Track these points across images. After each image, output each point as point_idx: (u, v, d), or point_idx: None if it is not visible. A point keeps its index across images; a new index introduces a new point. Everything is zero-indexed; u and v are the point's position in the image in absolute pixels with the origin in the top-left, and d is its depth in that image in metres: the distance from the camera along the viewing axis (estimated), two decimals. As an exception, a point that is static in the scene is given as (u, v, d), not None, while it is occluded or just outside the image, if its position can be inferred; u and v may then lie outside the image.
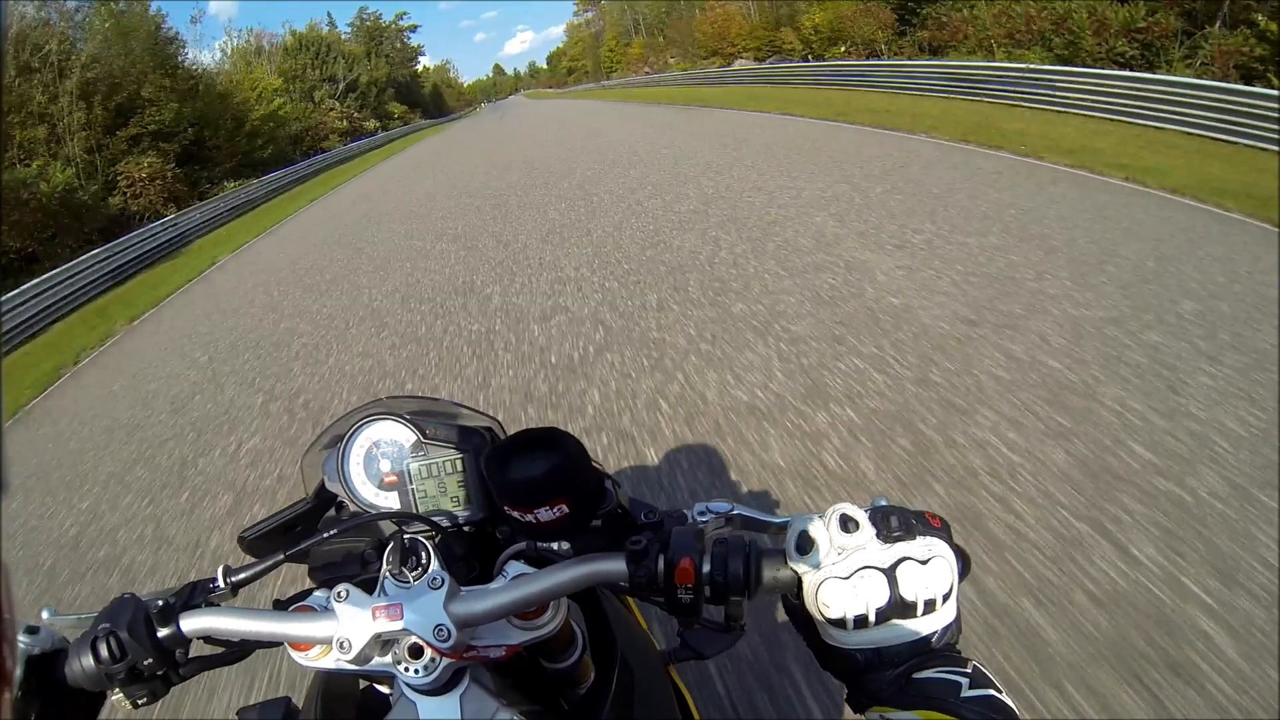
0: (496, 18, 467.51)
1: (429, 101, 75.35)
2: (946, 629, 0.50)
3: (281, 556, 0.64)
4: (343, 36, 51.16)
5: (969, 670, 0.48)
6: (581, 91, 55.76)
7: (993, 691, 0.46)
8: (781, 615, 1.48)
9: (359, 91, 42.75)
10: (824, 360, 3.46)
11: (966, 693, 0.46)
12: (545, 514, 0.56)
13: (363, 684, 0.71)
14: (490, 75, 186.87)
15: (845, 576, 0.49)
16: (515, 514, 0.58)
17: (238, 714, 0.72)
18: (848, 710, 0.53)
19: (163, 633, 0.54)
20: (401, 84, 63.23)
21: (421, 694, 0.53)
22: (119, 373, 6.49)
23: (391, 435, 0.76)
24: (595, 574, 0.54)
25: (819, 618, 0.51)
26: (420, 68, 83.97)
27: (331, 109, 35.42)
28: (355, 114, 37.85)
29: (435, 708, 0.53)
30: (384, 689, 0.66)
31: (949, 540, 0.51)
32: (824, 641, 0.53)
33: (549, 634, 0.58)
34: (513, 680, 0.65)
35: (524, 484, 0.56)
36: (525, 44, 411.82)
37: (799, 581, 0.52)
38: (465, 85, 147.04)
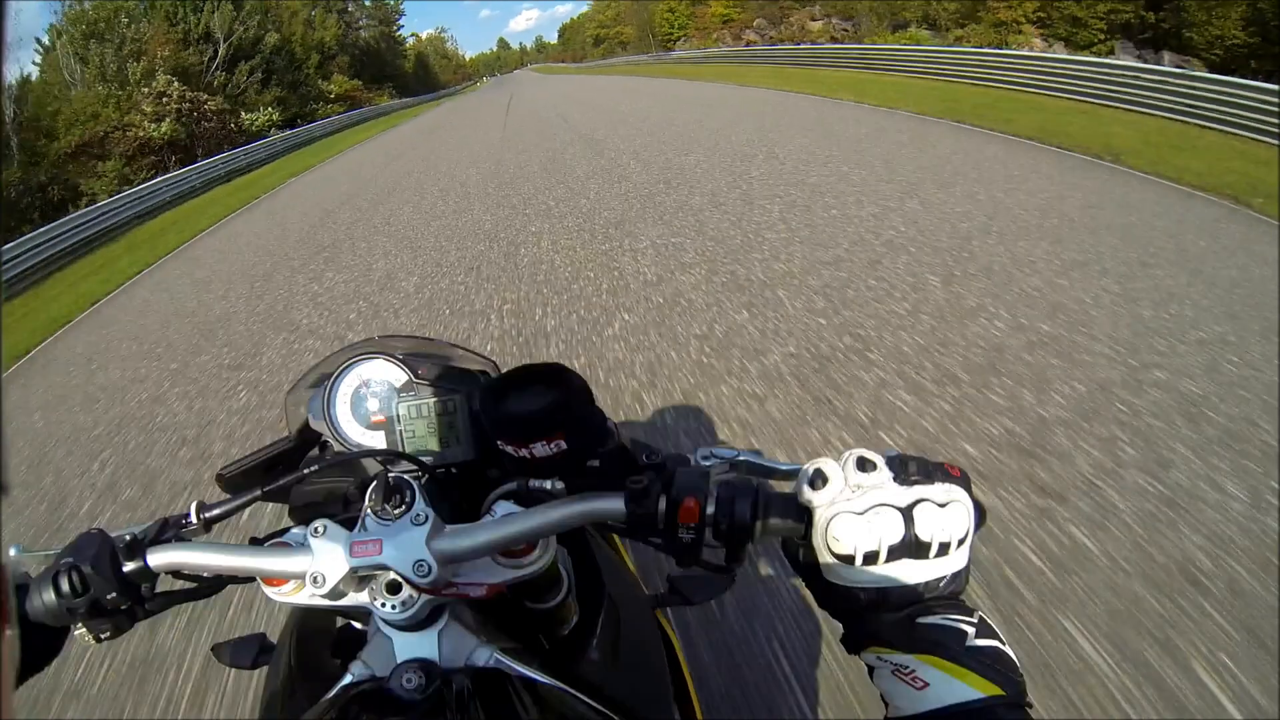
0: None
1: (410, 76, 57.36)
2: (956, 576, 0.48)
3: (259, 492, 0.61)
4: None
5: (975, 620, 0.46)
6: (621, 66, 37.95)
7: (997, 643, 0.45)
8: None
9: (259, 60, 25.25)
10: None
11: (972, 642, 0.45)
12: (541, 449, 0.56)
13: (340, 621, 0.68)
14: (494, 49, 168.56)
15: (860, 512, 0.47)
16: (509, 449, 0.57)
17: (212, 649, 0.77)
18: (841, 650, 0.51)
19: (128, 567, 0.52)
20: (366, 50, 45.48)
21: (398, 629, 0.51)
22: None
23: (382, 375, 0.73)
24: (590, 512, 0.51)
25: (826, 557, 0.48)
26: (410, 37, 67.23)
27: (165, 97, 17.77)
28: (225, 104, 20.16)
29: (412, 644, 0.51)
30: (360, 625, 0.63)
31: (968, 492, 0.49)
32: (825, 582, 0.50)
33: (536, 573, 0.55)
34: (495, 620, 0.62)
35: (521, 417, 0.55)
36: (530, 21, 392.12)
37: (808, 518, 0.49)
38: (467, 59, 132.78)
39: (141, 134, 15.98)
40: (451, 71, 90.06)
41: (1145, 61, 11.80)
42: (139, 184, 13.02)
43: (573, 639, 0.67)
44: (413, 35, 77.49)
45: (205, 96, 19.19)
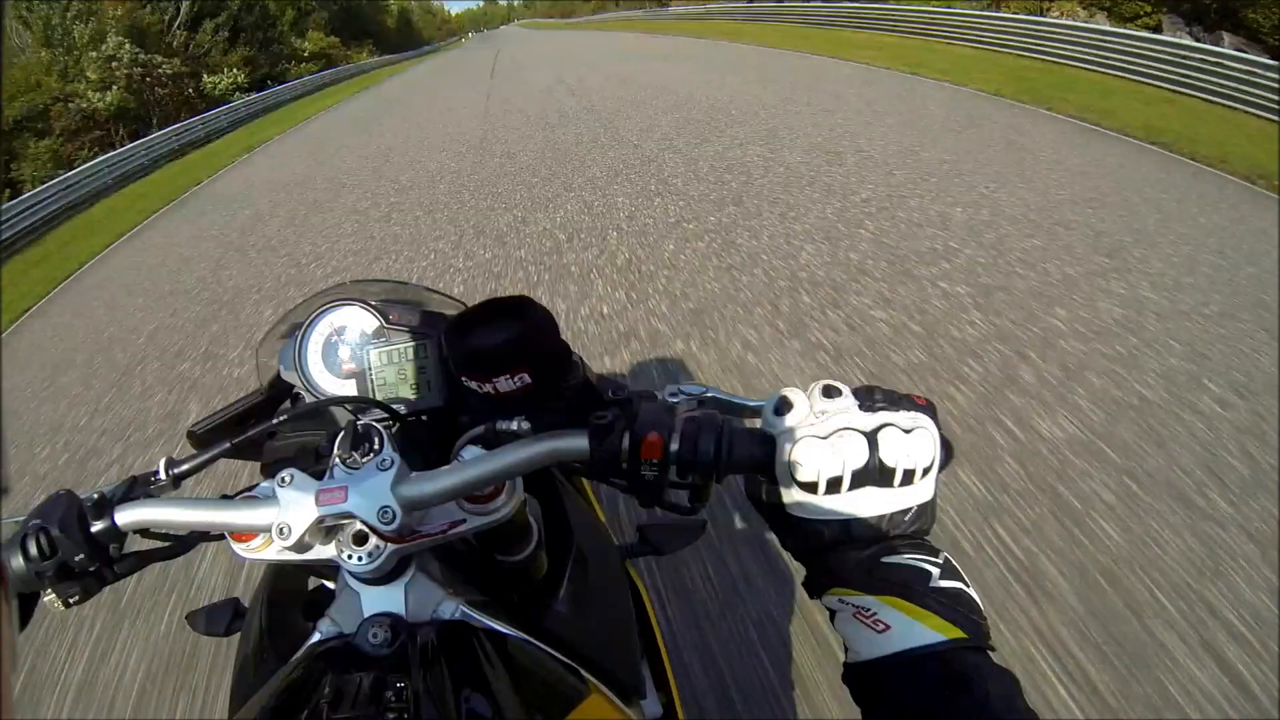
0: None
1: (392, 32, 54.34)
2: (921, 511, 0.46)
3: (228, 445, 0.60)
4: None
5: (940, 560, 0.45)
6: (614, 22, 35.71)
7: (961, 584, 0.44)
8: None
9: (225, 18, 23.33)
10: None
11: (935, 582, 0.43)
12: (505, 384, 0.54)
13: (312, 584, 0.67)
14: (480, 4, 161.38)
15: (824, 436, 0.45)
16: (474, 385, 0.55)
17: (186, 618, 0.77)
18: (803, 595, 0.56)
19: (96, 527, 0.50)
20: (347, 6, 42.85)
21: (365, 583, 0.50)
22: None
23: (354, 321, 0.71)
24: (554, 451, 0.49)
25: (789, 487, 0.47)
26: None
27: (115, 62, 16.20)
28: (184, 67, 18.53)
29: (379, 598, 0.50)
30: (332, 585, 0.61)
31: (935, 422, 0.47)
32: (789, 519, 0.48)
33: (503, 518, 0.52)
34: (464, 574, 0.60)
35: (484, 351, 0.54)
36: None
37: (772, 450, 0.47)
38: (452, 14, 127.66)
39: (85, 105, 14.49)
40: (435, 27, 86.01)
41: (1198, 40, 10.59)
42: (82, 164, 11.68)
43: (540, 590, 0.66)
44: (396, -11, 73.68)
45: (160, 59, 17.56)
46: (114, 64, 16.17)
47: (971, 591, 0.44)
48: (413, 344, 0.69)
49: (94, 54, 16.19)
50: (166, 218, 8.09)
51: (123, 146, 11.92)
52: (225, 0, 24.16)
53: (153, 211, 8.47)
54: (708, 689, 1.52)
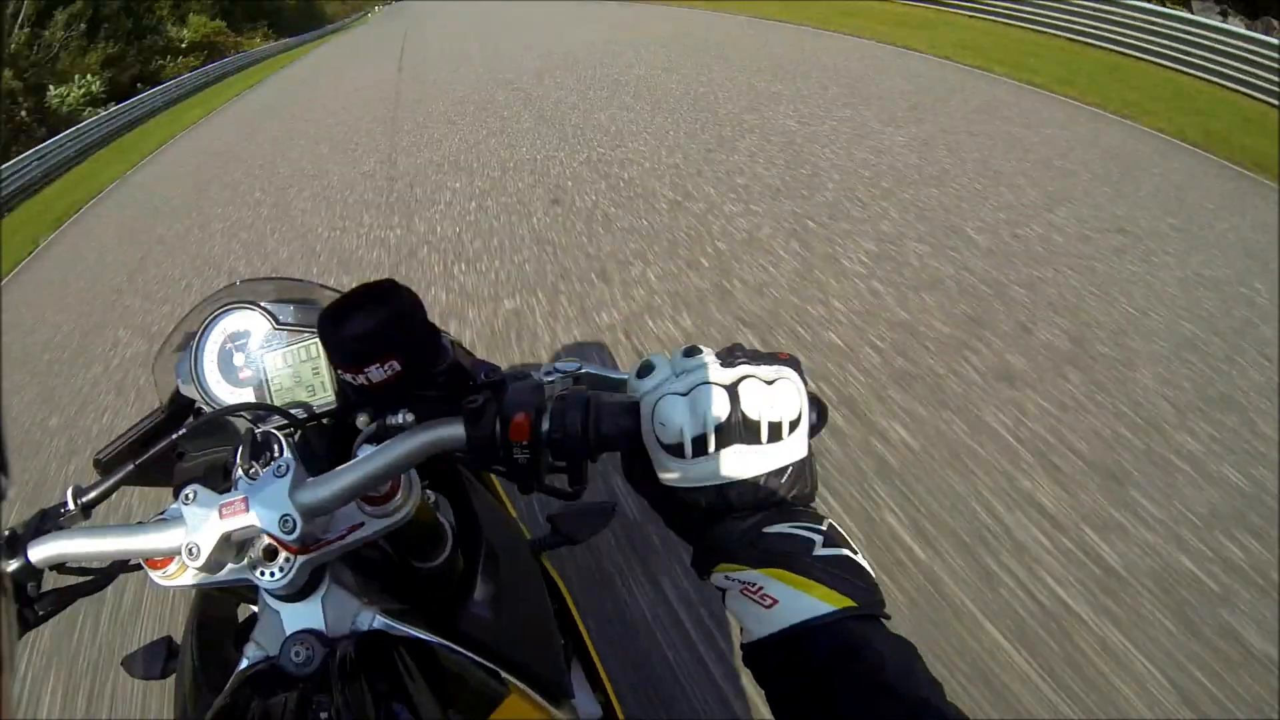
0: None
1: (292, 10, 49.54)
2: (799, 474, 0.46)
3: (132, 468, 0.60)
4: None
5: (824, 528, 0.45)
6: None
7: (846, 551, 0.44)
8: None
9: (83, 5, 20.21)
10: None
11: (819, 551, 0.43)
12: (377, 373, 0.53)
13: (242, 615, 0.69)
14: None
15: (683, 393, 0.45)
16: (349, 376, 0.54)
17: (122, 663, 0.76)
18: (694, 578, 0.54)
19: (11, 566, 0.50)
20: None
21: (283, 600, 0.51)
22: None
23: (247, 326, 0.70)
24: (435, 440, 0.49)
25: (658, 455, 0.46)
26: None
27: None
28: (16, 80, 15.85)
29: (298, 614, 0.50)
30: (257, 610, 0.59)
31: (800, 376, 0.47)
32: (667, 493, 0.48)
33: (403, 518, 0.53)
34: (380, 583, 0.61)
35: (352, 339, 0.52)
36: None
37: (638, 419, 0.47)
38: None
39: None
40: (341, 1, 79.32)
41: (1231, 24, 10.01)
42: None
43: (456, 592, 0.67)
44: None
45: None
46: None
47: (859, 558, 0.44)
48: (306, 344, 0.68)
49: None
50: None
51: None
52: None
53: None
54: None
